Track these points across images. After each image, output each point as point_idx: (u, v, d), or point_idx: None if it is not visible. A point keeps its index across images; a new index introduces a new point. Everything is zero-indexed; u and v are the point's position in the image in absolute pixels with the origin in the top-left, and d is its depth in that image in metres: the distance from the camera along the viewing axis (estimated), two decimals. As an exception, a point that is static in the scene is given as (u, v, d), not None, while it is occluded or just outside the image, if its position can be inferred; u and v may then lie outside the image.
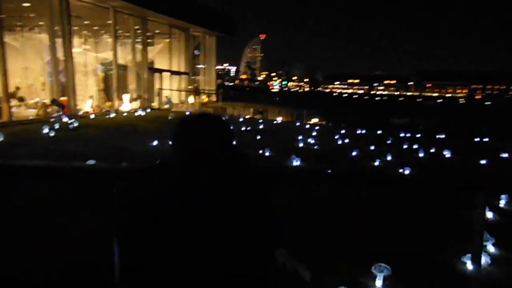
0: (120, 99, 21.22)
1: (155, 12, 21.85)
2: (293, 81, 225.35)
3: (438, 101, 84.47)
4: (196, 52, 36.53)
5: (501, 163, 11.23)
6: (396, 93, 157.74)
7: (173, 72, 27.57)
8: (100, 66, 22.43)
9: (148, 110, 21.44)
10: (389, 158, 10.41)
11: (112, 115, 17.68)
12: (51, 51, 16.12)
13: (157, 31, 27.70)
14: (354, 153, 10.85)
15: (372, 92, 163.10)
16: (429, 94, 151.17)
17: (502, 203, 6.60)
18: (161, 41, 29.65)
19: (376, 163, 9.77)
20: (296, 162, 9.40)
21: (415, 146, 12.34)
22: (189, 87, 30.84)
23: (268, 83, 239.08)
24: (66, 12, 15.91)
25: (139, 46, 23.24)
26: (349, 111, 33.86)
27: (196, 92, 33.95)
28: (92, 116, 16.57)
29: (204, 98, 34.13)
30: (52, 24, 15.93)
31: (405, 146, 12.71)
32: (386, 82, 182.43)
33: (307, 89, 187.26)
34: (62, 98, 16.62)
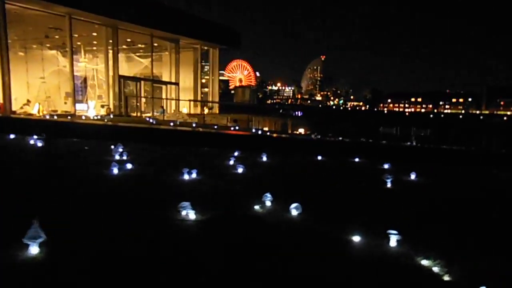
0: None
1: (124, 21, 22.57)
2: (351, 100, 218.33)
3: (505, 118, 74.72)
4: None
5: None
6: (462, 111, 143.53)
7: (156, 81, 27.97)
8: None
9: (111, 116, 21.88)
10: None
11: (54, 117, 18.15)
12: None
13: (144, 44, 28.61)
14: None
15: (435, 111, 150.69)
16: (502, 112, 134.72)
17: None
18: (155, 53, 30.58)
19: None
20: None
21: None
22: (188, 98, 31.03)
23: (327, 103, 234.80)
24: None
25: (110, 57, 23.99)
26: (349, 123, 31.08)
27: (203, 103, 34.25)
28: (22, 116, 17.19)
29: (205, 109, 34.17)
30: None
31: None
32: (454, 100, 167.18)
33: (363, 108, 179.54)
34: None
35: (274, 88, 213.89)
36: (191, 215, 5.10)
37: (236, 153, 9.82)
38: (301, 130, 26.54)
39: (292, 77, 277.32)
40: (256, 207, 5.70)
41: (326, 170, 9.22)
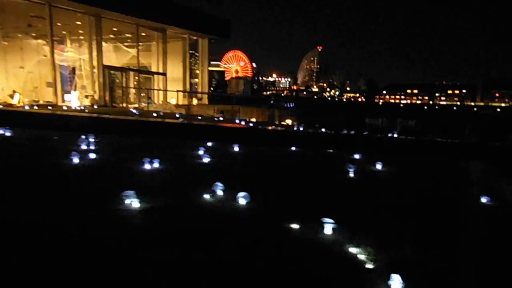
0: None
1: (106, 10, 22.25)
2: (348, 91, 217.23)
3: (498, 110, 74.88)
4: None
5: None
6: (457, 103, 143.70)
7: (142, 72, 27.72)
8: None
9: (95, 107, 21.76)
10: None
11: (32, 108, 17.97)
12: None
13: (131, 33, 28.23)
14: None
15: (430, 102, 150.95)
16: (497, 104, 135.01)
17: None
18: (143, 43, 30.29)
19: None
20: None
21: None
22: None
23: (323, 94, 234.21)
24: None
25: (94, 47, 23.69)
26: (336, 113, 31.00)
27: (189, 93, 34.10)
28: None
29: (194, 100, 33.99)
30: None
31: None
32: (449, 92, 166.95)
33: (359, 100, 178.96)
34: None
35: (270, 79, 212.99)
36: (135, 203, 5.06)
37: (206, 144, 9.75)
38: (289, 121, 26.46)
39: (287, 69, 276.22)
40: (206, 196, 5.68)
41: (292, 161, 9.18)
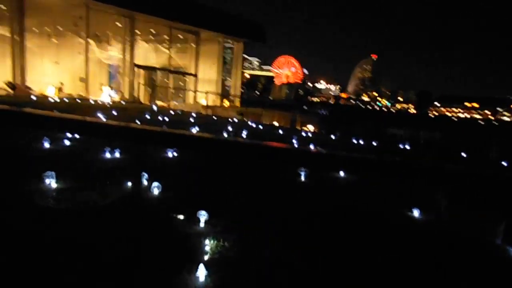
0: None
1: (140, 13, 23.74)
2: (400, 102, 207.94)
3: None
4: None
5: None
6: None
7: (172, 72, 29.00)
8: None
9: (123, 103, 23.25)
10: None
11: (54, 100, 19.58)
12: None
13: (168, 35, 29.63)
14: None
15: (491, 117, 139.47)
16: None
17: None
18: (180, 45, 31.71)
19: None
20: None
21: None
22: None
23: (373, 103, 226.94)
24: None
25: (128, 47, 25.26)
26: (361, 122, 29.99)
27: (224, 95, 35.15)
28: (34, 98, 18.65)
29: (225, 101, 34.84)
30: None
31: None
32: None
33: (410, 110, 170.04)
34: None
35: (319, 86, 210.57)
36: (53, 183, 5.51)
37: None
38: (310, 127, 26.23)
39: (337, 76, 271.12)
40: (129, 183, 5.98)
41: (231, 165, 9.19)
